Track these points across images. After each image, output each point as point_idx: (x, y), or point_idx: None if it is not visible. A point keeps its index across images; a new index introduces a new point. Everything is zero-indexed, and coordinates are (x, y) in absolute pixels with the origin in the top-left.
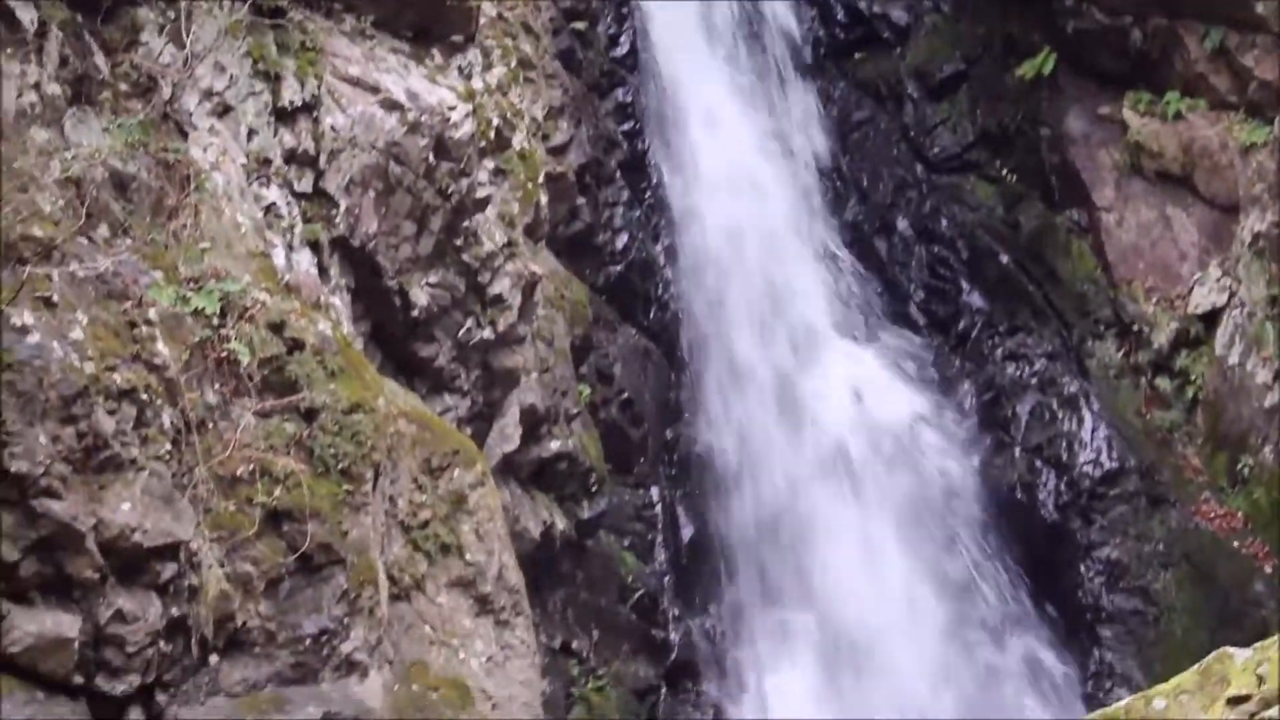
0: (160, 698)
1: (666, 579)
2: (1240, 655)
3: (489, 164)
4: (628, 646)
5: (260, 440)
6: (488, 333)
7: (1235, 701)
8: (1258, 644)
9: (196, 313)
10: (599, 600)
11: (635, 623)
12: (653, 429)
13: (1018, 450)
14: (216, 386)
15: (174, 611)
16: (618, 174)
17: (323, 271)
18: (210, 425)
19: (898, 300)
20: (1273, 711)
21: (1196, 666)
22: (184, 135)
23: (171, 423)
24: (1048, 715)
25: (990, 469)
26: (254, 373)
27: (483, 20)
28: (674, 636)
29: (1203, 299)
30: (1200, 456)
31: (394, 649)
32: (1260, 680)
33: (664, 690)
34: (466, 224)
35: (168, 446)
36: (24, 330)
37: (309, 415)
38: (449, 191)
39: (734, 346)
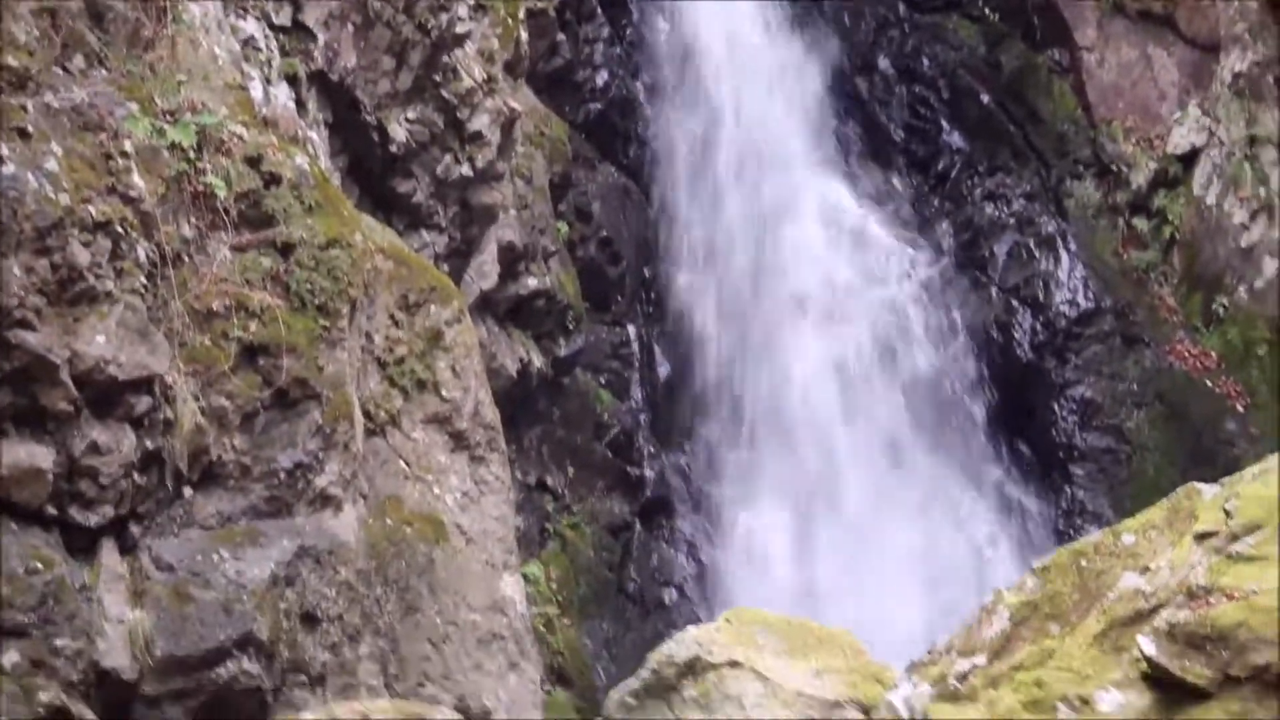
0: (134, 529)
1: (642, 416)
2: (1208, 491)
3: None
4: (603, 483)
5: (236, 275)
6: (466, 169)
7: (1203, 537)
8: (1225, 479)
9: (173, 146)
10: (575, 437)
11: (611, 460)
12: (631, 267)
13: (995, 290)
14: (192, 220)
15: (148, 444)
16: (598, 10)
17: (300, 106)
18: (186, 259)
19: (878, 140)
20: (1239, 546)
21: (1165, 502)
22: None
23: (147, 256)
24: (1019, 551)
25: (967, 309)
26: (230, 207)
27: None
28: (649, 473)
29: (1182, 139)
30: (1176, 296)
31: (369, 484)
32: (1227, 515)
33: (638, 527)
34: (446, 59)
35: (143, 280)
36: None
37: (285, 250)
38: (428, 26)
39: (713, 184)
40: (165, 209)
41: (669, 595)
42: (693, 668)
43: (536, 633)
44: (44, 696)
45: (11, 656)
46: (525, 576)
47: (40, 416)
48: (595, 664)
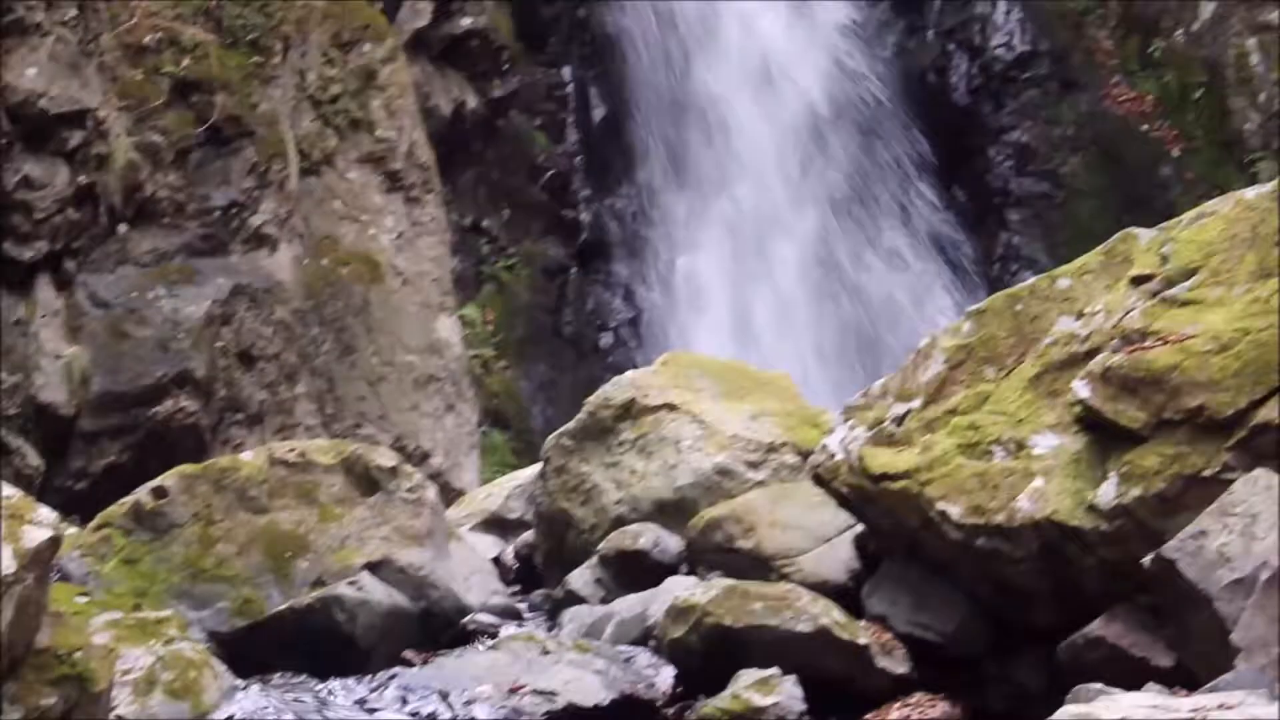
0: (69, 265)
1: (578, 159)
2: (1145, 235)
3: None
4: (538, 226)
5: (168, 9)
6: None
7: (1138, 281)
8: (1162, 224)
9: None
10: (510, 179)
11: (546, 202)
12: (566, 7)
13: (930, 34)
14: None
15: (82, 179)
16: None
17: None
18: None
19: None
20: (1174, 290)
21: (1101, 247)
22: None
23: None
24: (953, 297)
25: (903, 54)
26: None
27: None
28: (585, 217)
29: None
30: (1112, 39)
31: (304, 223)
32: (1163, 260)
33: (574, 270)
34: None
35: (74, 12)
36: None
37: None
38: None
39: None
40: None
41: (605, 339)
42: (629, 410)
43: (473, 375)
44: None
45: None
46: (461, 318)
47: None
48: (532, 406)
